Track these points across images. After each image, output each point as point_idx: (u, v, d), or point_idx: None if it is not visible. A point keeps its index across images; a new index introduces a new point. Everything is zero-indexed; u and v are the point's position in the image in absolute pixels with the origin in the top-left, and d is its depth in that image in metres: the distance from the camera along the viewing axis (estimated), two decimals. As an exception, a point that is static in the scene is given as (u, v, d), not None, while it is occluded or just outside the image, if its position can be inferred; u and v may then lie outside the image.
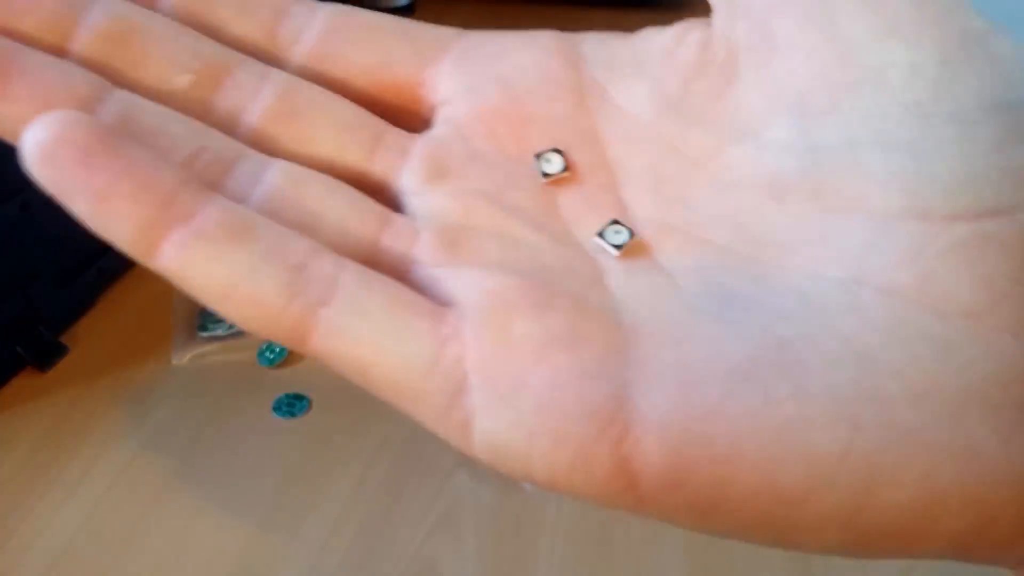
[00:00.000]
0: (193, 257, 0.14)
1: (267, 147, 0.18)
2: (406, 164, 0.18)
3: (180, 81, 0.18)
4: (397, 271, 0.16)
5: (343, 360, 0.15)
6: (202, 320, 0.44)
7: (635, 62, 0.19)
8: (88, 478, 0.38)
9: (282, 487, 0.38)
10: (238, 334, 0.43)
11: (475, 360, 0.14)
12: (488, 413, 0.14)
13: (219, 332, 0.43)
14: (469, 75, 0.19)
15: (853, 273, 0.15)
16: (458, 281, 0.16)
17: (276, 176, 0.17)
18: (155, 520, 0.37)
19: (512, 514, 0.37)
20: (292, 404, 0.41)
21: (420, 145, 0.19)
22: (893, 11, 0.16)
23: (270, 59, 0.19)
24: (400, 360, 0.15)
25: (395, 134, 0.19)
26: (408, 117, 0.20)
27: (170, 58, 0.18)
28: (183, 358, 0.43)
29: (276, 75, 0.18)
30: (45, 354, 0.42)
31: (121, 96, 0.17)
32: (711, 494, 0.14)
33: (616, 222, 0.17)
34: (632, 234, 0.17)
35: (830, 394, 0.14)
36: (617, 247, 0.17)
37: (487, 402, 0.14)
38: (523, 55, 0.19)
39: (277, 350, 0.43)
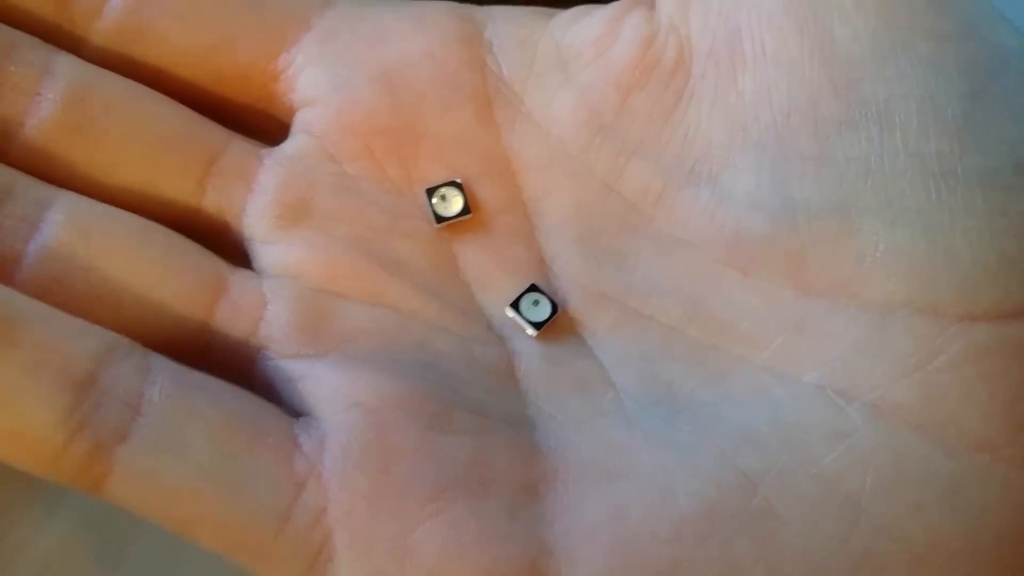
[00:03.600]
0: None
1: (51, 175, 0.13)
2: (252, 197, 0.14)
3: None
4: (235, 361, 0.13)
5: (155, 513, 0.11)
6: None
7: (558, 60, 0.15)
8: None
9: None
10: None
11: (341, 514, 0.12)
12: None
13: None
14: (339, 66, 0.15)
15: (838, 382, 0.12)
16: (320, 383, 0.12)
17: (59, 222, 0.13)
18: (150, 526, 0.35)
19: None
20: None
21: (271, 168, 0.14)
22: (906, 16, 0.12)
23: (61, 40, 0.14)
24: (235, 513, 0.11)
25: (236, 151, 0.14)
26: (255, 119, 0.15)
27: None
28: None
29: (64, 65, 0.14)
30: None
31: None
32: None
33: (535, 288, 0.14)
34: (556, 308, 0.13)
35: (808, 559, 0.11)
36: (536, 325, 0.13)
37: (357, 574, 0.11)
38: (410, 40, 0.15)
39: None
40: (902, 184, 0.12)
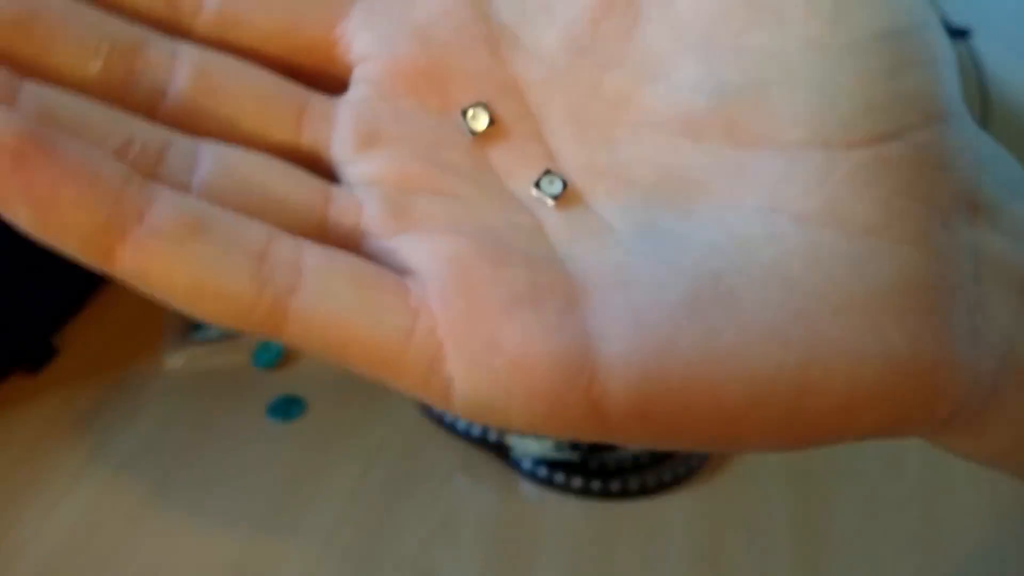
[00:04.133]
0: (153, 258, 0.14)
1: (191, 129, 0.17)
2: (335, 133, 0.18)
3: (91, 67, 0.17)
4: (348, 245, 0.17)
5: (318, 343, 0.15)
6: (195, 321, 0.43)
7: (542, 4, 0.19)
8: (79, 482, 0.37)
9: (277, 492, 0.37)
10: (232, 335, 0.42)
11: (447, 328, 0.15)
12: (466, 376, 0.15)
13: (212, 334, 0.42)
14: (381, 28, 0.19)
15: (769, 202, 0.16)
16: (412, 250, 0.16)
17: (210, 161, 0.16)
18: (147, 526, 0.36)
19: (511, 518, 0.37)
20: (288, 407, 0.40)
21: (345, 110, 0.18)
22: None
23: (174, 31, 0.18)
24: (375, 337, 0.15)
25: (318, 101, 0.19)
26: (325, 78, 0.19)
27: (77, 43, 0.17)
28: (176, 361, 0.42)
29: (187, 51, 0.18)
30: (35, 356, 0.41)
31: (33, 90, 0.16)
32: (669, 421, 0.15)
33: (548, 172, 0.18)
34: (565, 184, 0.18)
35: (761, 319, 0.15)
36: (554, 197, 0.18)
37: (464, 366, 0.15)
38: (431, 3, 0.19)
39: (273, 351, 0.42)
40: (796, 60, 0.16)
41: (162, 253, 0.14)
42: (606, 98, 0.18)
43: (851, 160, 0.16)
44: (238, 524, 0.36)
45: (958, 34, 0.69)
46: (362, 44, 0.19)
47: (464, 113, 0.18)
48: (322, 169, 0.18)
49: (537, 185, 0.18)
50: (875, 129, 0.16)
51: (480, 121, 0.18)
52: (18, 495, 0.37)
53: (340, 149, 0.18)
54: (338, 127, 0.18)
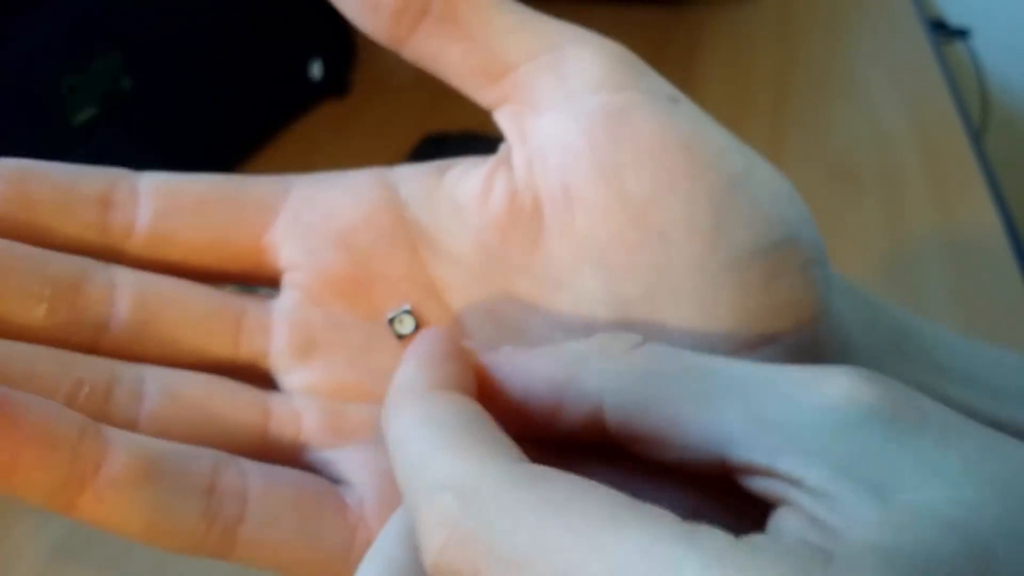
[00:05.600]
0: (111, 507, 0.15)
1: (133, 354, 0.18)
2: (272, 344, 0.19)
3: (36, 313, 0.17)
4: (289, 456, 0.18)
5: (265, 563, 0.16)
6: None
7: (454, 208, 0.19)
8: None
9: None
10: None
11: None
12: None
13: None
14: (306, 237, 0.19)
15: None
16: (349, 463, 0.18)
17: (155, 392, 0.17)
18: None
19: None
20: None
21: (280, 319, 0.19)
22: (669, 164, 0.17)
23: (107, 253, 0.19)
24: (318, 556, 0.16)
25: (253, 312, 0.19)
26: (255, 280, 0.20)
27: (21, 290, 0.17)
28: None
29: (124, 278, 0.18)
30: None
31: None
32: None
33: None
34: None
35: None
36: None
37: None
38: (352, 210, 0.20)
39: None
40: (680, 277, 0.17)
41: (119, 501, 0.15)
42: (518, 301, 0.19)
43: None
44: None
45: (958, 34, 0.69)
46: (289, 253, 0.19)
47: (391, 320, 0.19)
48: (260, 377, 0.19)
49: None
50: (753, 338, 0.17)
51: (406, 325, 0.19)
52: (16, 499, 0.37)
53: (278, 359, 0.19)
54: (275, 338, 0.19)
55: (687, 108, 0.18)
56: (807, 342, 0.17)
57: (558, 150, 0.18)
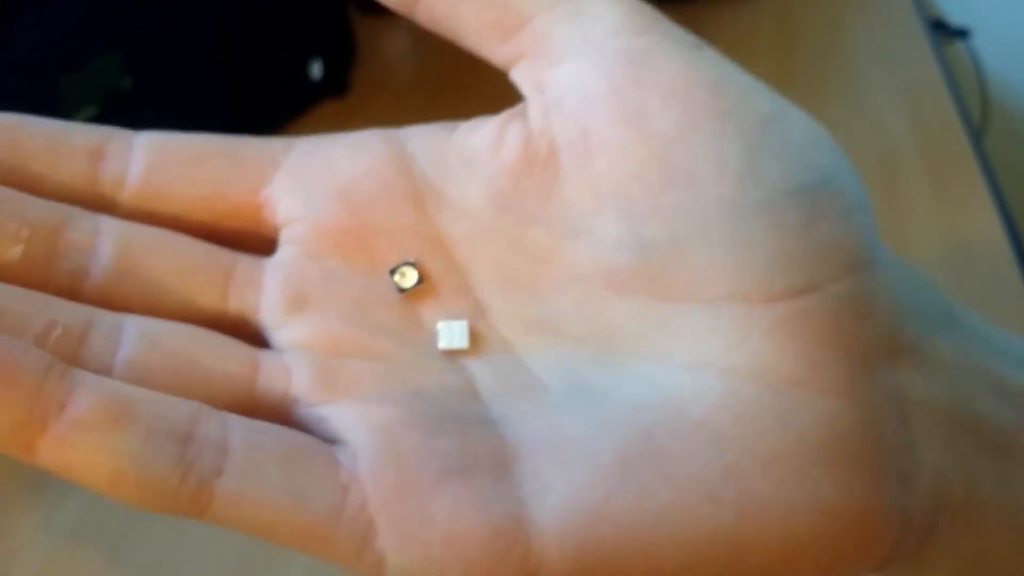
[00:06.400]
0: (74, 450, 0.14)
1: (115, 304, 0.17)
2: (263, 297, 0.18)
3: (12, 253, 0.17)
4: (278, 414, 0.17)
5: (245, 524, 0.15)
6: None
7: (464, 160, 0.19)
8: (77, 486, 0.35)
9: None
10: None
11: (378, 503, 0.15)
12: (398, 552, 0.15)
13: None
14: (306, 191, 0.19)
15: (695, 357, 0.16)
16: (342, 419, 0.16)
17: (134, 338, 0.16)
18: (144, 528, 0.36)
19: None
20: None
21: (272, 273, 0.18)
22: (695, 104, 0.17)
23: (96, 206, 0.18)
24: (304, 517, 0.15)
25: (244, 266, 0.18)
26: (252, 239, 0.19)
27: None
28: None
29: (109, 226, 0.18)
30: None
31: None
32: None
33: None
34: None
35: (693, 478, 0.15)
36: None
37: (396, 542, 0.15)
38: (355, 163, 0.19)
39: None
40: (710, 218, 0.16)
41: (83, 445, 0.14)
42: (531, 252, 0.18)
43: (772, 314, 0.16)
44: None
45: (958, 34, 0.69)
46: (287, 206, 0.19)
47: (392, 271, 0.18)
48: (250, 334, 0.18)
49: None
50: (792, 284, 0.16)
51: (408, 278, 0.18)
52: (19, 498, 0.37)
53: (269, 314, 0.18)
54: (266, 292, 0.18)
55: (711, 54, 0.18)
56: (853, 293, 0.16)
57: (577, 95, 0.18)
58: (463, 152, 0.19)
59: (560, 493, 0.15)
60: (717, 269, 0.16)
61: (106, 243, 0.17)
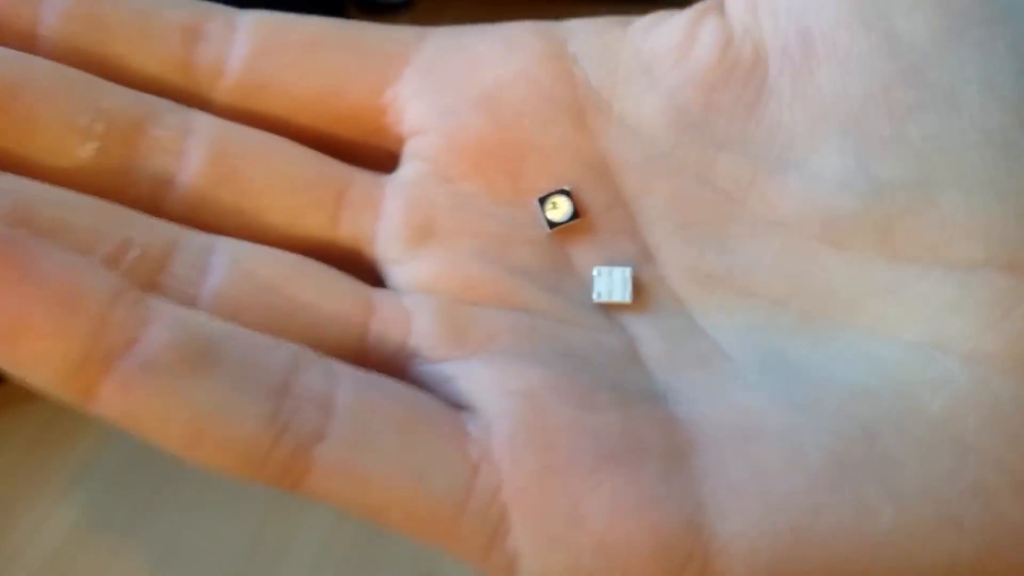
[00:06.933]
0: (144, 398, 0.11)
1: (205, 223, 0.14)
2: (381, 224, 0.15)
3: (82, 152, 0.14)
4: (393, 368, 0.14)
5: (349, 503, 0.12)
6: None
7: (641, 65, 0.16)
8: (80, 481, 0.37)
9: (277, 490, 0.37)
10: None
11: (515, 491, 0.12)
12: (537, 554, 0.12)
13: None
14: (441, 95, 0.16)
15: (934, 337, 0.13)
16: (473, 380, 0.13)
17: (225, 266, 0.13)
18: (147, 525, 0.36)
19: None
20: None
21: (394, 195, 0.15)
22: (958, 6, 0.13)
23: (188, 98, 0.15)
24: (422, 499, 0.12)
25: (360, 183, 0.15)
26: (370, 154, 0.16)
27: (64, 122, 0.14)
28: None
29: (202, 124, 0.15)
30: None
31: (7, 183, 0.13)
32: None
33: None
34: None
35: (928, 494, 0.12)
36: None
37: (534, 542, 0.12)
38: (503, 64, 0.16)
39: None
40: (972, 157, 0.13)
41: (155, 392, 0.11)
42: (720, 187, 0.15)
43: None
44: (239, 521, 0.36)
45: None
46: (416, 113, 0.16)
47: (542, 201, 0.15)
48: (364, 269, 0.15)
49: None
50: None
51: (561, 211, 0.15)
52: (20, 496, 0.36)
53: (387, 245, 0.15)
54: (386, 217, 0.15)
55: None
56: None
57: None
58: (640, 55, 0.16)
59: (752, 499, 0.12)
60: (975, 224, 0.13)
61: (197, 147, 0.15)
